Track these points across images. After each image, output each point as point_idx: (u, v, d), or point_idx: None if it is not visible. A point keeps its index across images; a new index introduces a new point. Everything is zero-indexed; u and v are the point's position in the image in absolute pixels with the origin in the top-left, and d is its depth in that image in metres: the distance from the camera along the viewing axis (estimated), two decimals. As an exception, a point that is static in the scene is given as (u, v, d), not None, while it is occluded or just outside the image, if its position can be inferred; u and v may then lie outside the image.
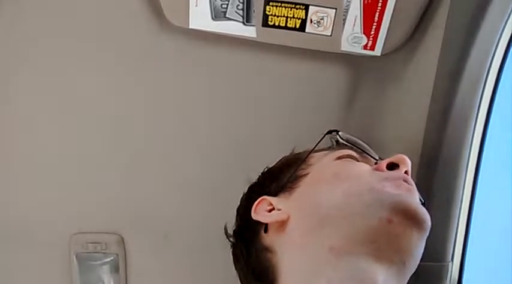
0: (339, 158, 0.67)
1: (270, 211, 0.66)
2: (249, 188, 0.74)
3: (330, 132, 0.73)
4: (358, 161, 0.68)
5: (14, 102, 0.84)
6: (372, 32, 0.76)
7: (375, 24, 0.75)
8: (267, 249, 0.65)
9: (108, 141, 0.88)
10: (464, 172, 0.81)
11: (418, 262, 0.61)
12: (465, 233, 0.85)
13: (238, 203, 0.74)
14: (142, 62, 0.81)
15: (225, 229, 0.73)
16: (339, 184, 0.62)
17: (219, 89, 0.84)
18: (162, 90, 0.84)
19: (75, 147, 0.87)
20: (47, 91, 0.83)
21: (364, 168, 0.65)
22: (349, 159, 0.67)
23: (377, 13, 0.74)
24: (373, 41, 0.76)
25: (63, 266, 0.96)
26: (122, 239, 0.94)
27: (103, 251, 0.95)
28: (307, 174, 0.67)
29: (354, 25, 0.75)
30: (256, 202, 0.68)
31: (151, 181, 0.91)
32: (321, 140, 0.72)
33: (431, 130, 0.80)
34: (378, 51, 0.77)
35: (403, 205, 0.58)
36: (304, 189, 0.66)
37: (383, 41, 0.76)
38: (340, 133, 0.72)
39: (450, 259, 0.85)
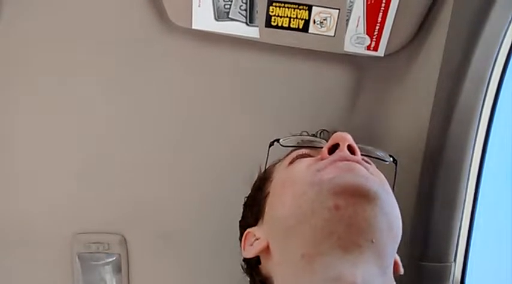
0: (291, 162, 0.67)
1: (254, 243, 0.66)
2: (239, 224, 0.74)
3: (271, 144, 0.73)
4: (311, 156, 0.67)
5: (14, 103, 0.84)
6: (375, 33, 0.75)
7: (378, 24, 0.75)
8: (266, 279, 0.65)
9: (110, 141, 0.88)
10: (467, 173, 0.81)
11: (393, 234, 0.59)
12: (468, 234, 0.85)
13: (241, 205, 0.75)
14: (145, 63, 0.81)
15: (242, 266, 0.72)
16: (287, 192, 0.62)
17: (222, 89, 0.84)
18: (165, 90, 0.84)
19: (77, 147, 0.87)
20: (47, 91, 0.83)
21: (304, 165, 0.64)
22: (301, 159, 0.67)
23: (380, 13, 0.74)
24: (376, 41, 0.76)
25: (65, 267, 0.96)
26: (124, 239, 0.94)
27: (105, 251, 0.95)
28: (269, 192, 0.67)
29: (357, 25, 0.75)
30: (243, 239, 0.68)
31: (154, 181, 0.91)
32: (268, 156, 0.72)
33: (434, 131, 0.80)
34: (381, 52, 0.77)
35: (340, 185, 0.57)
36: (268, 208, 0.66)
37: (386, 42, 0.76)
38: (281, 140, 0.71)
39: (453, 260, 0.85)
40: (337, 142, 0.64)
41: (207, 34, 0.77)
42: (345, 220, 0.56)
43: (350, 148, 0.63)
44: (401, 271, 0.65)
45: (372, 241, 0.56)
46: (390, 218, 0.59)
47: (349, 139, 0.64)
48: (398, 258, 0.64)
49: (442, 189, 0.81)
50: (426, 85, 0.79)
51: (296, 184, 0.61)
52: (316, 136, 0.73)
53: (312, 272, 0.56)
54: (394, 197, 0.63)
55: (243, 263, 0.71)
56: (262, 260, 0.66)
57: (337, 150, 0.63)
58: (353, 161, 0.61)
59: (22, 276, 0.96)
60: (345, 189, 0.57)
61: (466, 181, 0.81)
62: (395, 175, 0.71)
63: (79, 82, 0.83)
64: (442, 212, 0.82)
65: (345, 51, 0.77)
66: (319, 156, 0.65)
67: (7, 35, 0.78)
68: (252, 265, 0.68)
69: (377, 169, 0.66)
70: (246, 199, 0.74)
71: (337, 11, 0.74)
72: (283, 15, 0.74)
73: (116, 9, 0.77)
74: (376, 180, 0.61)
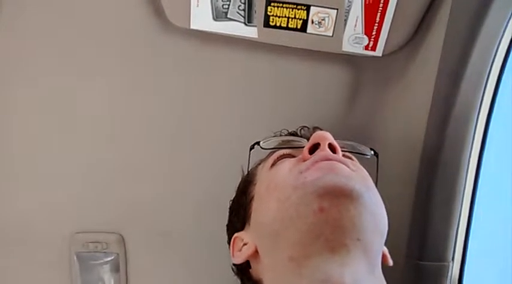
0: (273, 164, 0.66)
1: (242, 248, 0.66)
2: (226, 228, 0.74)
3: (252, 147, 0.72)
4: (293, 155, 0.67)
5: (13, 103, 0.84)
6: (373, 33, 0.76)
7: (376, 24, 0.75)
8: (257, 282, 0.65)
9: (109, 141, 0.88)
10: (465, 172, 0.81)
11: (379, 230, 0.59)
12: (466, 233, 0.85)
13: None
14: (143, 63, 0.81)
15: (233, 269, 0.72)
16: (271, 196, 0.61)
17: (220, 89, 0.84)
18: (163, 90, 0.84)
19: (75, 147, 0.87)
20: (47, 92, 0.83)
21: (286, 167, 0.64)
22: (282, 159, 0.66)
23: (378, 13, 0.74)
24: (374, 41, 0.76)
25: (63, 266, 0.96)
26: (123, 238, 0.94)
27: (103, 250, 0.95)
28: (254, 196, 0.67)
29: (355, 25, 0.75)
30: (231, 244, 0.68)
31: (152, 180, 0.91)
32: (249, 159, 0.72)
33: (432, 130, 0.80)
34: (379, 52, 0.77)
35: (323, 187, 0.57)
36: (254, 213, 0.65)
37: (384, 42, 0.76)
38: (261, 143, 0.71)
39: (451, 259, 0.85)
40: (317, 141, 0.64)
41: (205, 34, 0.77)
42: (330, 221, 0.56)
43: (331, 147, 0.63)
44: (390, 262, 0.65)
45: (358, 239, 0.56)
46: (375, 215, 0.59)
47: (329, 138, 0.63)
48: (386, 250, 0.64)
49: (440, 188, 0.81)
50: (424, 85, 0.79)
51: (280, 188, 0.61)
52: (297, 134, 0.73)
53: (300, 275, 0.56)
54: (377, 193, 0.62)
55: (233, 266, 0.70)
56: (252, 264, 0.65)
57: (318, 150, 0.63)
58: (334, 160, 0.61)
59: (20, 276, 0.96)
60: (328, 191, 0.57)
61: (464, 180, 0.81)
62: (377, 169, 0.71)
63: (77, 82, 0.83)
64: (440, 211, 0.82)
65: (343, 51, 0.77)
66: (300, 156, 0.64)
67: (7, 35, 0.78)
68: (243, 270, 0.68)
69: (359, 165, 0.66)
70: (231, 202, 0.74)
71: (335, 11, 0.74)
72: (281, 15, 0.75)
73: (114, 9, 0.77)
74: (358, 177, 0.61)
